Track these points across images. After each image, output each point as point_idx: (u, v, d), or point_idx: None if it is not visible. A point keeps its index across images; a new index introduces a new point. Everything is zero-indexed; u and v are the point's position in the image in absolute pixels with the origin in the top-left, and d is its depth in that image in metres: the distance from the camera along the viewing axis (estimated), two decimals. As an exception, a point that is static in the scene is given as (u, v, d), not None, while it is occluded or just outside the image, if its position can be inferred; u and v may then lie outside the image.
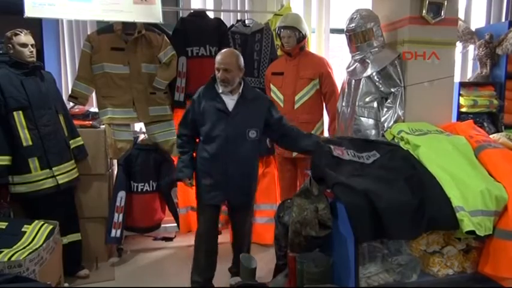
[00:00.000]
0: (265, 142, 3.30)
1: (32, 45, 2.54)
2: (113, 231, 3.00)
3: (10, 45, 2.50)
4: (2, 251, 2.02)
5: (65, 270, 2.53)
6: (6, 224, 2.30)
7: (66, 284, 2.58)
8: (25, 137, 2.49)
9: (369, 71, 2.65)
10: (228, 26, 3.38)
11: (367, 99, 2.66)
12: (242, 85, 2.44)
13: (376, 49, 2.66)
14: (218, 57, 2.39)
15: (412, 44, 2.60)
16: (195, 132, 2.48)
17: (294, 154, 3.06)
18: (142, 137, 3.33)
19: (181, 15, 3.58)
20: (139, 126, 3.46)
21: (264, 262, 2.81)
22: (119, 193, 3.05)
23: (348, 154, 2.27)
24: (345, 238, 1.94)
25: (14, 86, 2.47)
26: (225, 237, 3.44)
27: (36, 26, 2.88)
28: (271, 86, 3.13)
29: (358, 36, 2.68)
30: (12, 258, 1.97)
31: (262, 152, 3.39)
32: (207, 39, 3.25)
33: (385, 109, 2.61)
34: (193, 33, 3.23)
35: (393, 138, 2.44)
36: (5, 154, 2.43)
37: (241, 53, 3.26)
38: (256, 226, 3.43)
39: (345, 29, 2.75)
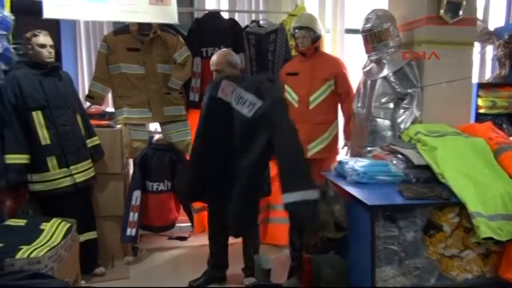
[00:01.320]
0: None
1: (50, 46, 2.57)
2: (129, 230, 3.02)
3: (29, 46, 2.54)
4: (22, 248, 2.05)
5: (82, 268, 2.55)
6: (26, 221, 2.34)
7: (83, 282, 2.61)
8: (43, 136, 2.53)
9: (385, 72, 2.62)
10: (243, 26, 3.38)
11: (383, 100, 2.63)
12: None
13: (393, 49, 2.63)
14: (211, 60, 2.54)
15: (429, 44, 2.57)
16: None
17: (309, 155, 3.05)
18: (157, 136, 3.36)
19: (196, 16, 3.59)
20: (154, 126, 3.49)
21: (278, 263, 2.81)
22: (135, 192, 3.08)
23: (234, 94, 2.18)
24: (361, 239, 1.93)
25: (33, 86, 2.51)
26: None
27: (54, 26, 2.93)
28: (286, 86, 3.12)
29: (374, 36, 2.66)
30: (32, 255, 2.00)
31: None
32: (221, 39, 3.26)
33: (402, 110, 2.58)
34: (208, 33, 3.24)
35: (410, 140, 2.41)
36: (24, 153, 2.47)
37: (256, 53, 3.33)
38: (270, 227, 3.44)
39: (360, 29, 2.73)
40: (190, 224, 3.34)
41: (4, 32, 2.45)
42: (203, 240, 3.22)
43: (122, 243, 3.07)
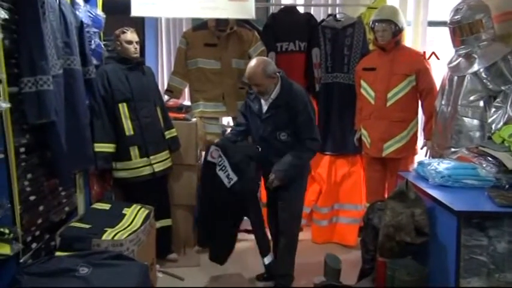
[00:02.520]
0: (352, 140, 3.21)
1: (136, 42, 2.73)
2: (200, 219, 3.12)
3: (118, 42, 2.72)
4: (107, 230, 2.21)
5: (156, 253, 2.66)
6: (110, 205, 2.52)
7: (157, 266, 2.76)
8: (128, 127, 2.70)
9: (475, 67, 2.41)
10: (319, 20, 3.32)
11: (471, 98, 2.43)
12: (278, 88, 2.40)
13: (485, 43, 2.41)
14: (246, 74, 2.44)
15: (530, 36, 2.32)
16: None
17: (384, 154, 2.92)
18: (229, 130, 3.42)
19: (271, 10, 3.59)
20: (226, 120, 3.57)
21: (347, 264, 2.72)
22: (206, 184, 3.17)
23: (219, 159, 2.46)
24: (444, 247, 1.80)
25: (120, 80, 2.68)
26: (306, 235, 3.42)
27: (139, 24, 3.10)
28: (362, 82, 3.01)
29: (464, 28, 2.45)
30: (116, 238, 2.14)
31: (349, 150, 3.30)
32: (296, 34, 3.23)
33: (493, 109, 2.36)
34: (283, 28, 3.23)
35: (503, 142, 2.19)
36: (111, 142, 2.66)
37: (331, 48, 3.25)
38: (339, 226, 3.37)
39: (448, 21, 2.54)
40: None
41: (97, 30, 2.66)
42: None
43: (194, 231, 3.19)
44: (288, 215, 2.52)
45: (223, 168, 2.44)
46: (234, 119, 3.28)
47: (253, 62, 2.39)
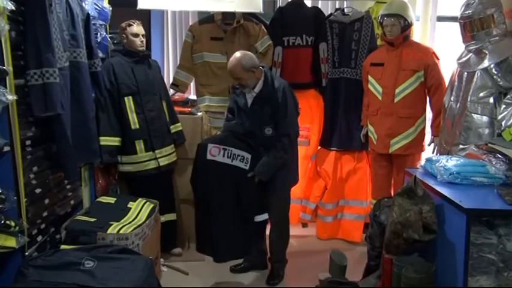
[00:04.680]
0: (358, 136, 3.18)
1: (142, 35, 2.72)
2: (205, 214, 3.11)
3: (124, 35, 2.70)
4: (112, 224, 2.21)
5: (161, 247, 2.67)
6: (115, 199, 2.52)
7: (161, 260, 2.76)
8: (133, 121, 2.69)
9: (486, 63, 2.37)
10: (326, 14, 3.28)
11: (481, 94, 2.38)
12: (261, 83, 2.45)
13: (496, 38, 2.36)
14: (227, 67, 2.46)
15: (543, 32, 2.27)
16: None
17: (391, 150, 2.90)
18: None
19: (279, 4, 3.56)
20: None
21: (351, 260, 2.71)
22: (212, 178, 3.15)
23: (224, 155, 2.45)
24: (452, 245, 1.78)
25: (126, 73, 2.67)
26: (311, 231, 3.42)
27: (145, 17, 3.08)
28: (369, 77, 2.98)
29: (474, 23, 2.40)
30: (121, 231, 2.15)
31: (355, 146, 3.27)
32: (303, 28, 3.20)
33: (504, 106, 2.31)
34: (290, 22, 3.19)
35: (513, 139, 2.16)
36: (116, 136, 2.65)
37: (339, 42, 3.22)
38: (344, 222, 3.35)
39: (459, 16, 2.49)
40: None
41: (103, 23, 2.64)
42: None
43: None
44: (280, 204, 2.59)
45: (234, 156, 2.47)
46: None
47: (233, 56, 2.42)
